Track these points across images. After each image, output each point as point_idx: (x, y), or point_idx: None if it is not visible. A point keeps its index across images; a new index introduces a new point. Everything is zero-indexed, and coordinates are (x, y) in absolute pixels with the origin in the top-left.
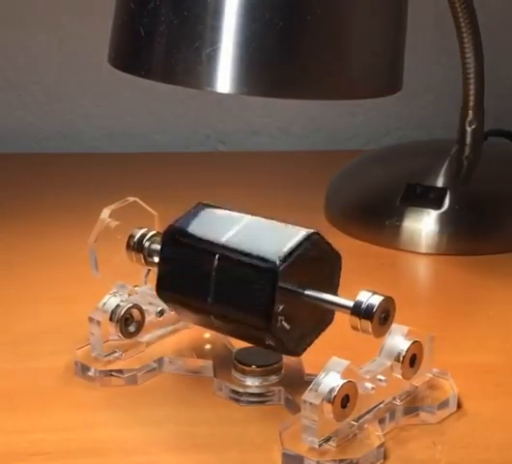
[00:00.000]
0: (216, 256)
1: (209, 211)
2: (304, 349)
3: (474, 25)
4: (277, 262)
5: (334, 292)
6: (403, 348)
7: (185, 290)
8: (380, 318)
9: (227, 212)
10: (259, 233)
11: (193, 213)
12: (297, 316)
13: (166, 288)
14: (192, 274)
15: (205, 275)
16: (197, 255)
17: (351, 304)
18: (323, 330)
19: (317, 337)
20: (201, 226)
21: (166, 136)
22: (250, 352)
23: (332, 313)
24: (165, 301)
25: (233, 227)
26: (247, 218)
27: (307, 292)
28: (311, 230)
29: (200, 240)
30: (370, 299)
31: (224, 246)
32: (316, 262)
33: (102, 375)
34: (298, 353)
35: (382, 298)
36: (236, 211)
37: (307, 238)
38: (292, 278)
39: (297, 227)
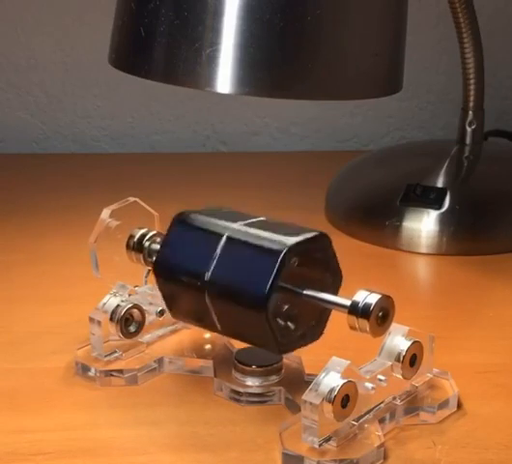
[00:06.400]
0: (206, 293)
1: (186, 234)
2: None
3: (474, 25)
4: (264, 296)
5: (337, 283)
6: (403, 348)
7: (191, 320)
8: (377, 317)
9: (203, 234)
10: (238, 260)
11: (172, 240)
12: (299, 318)
13: (175, 316)
14: (191, 308)
15: (203, 310)
16: (189, 291)
17: (348, 302)
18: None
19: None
20: (184, 258)
21: (166, 137)
22: (251, 352)
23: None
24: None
25: (212, 256)
26: (223, 241)
27: (306, 292)
28: (286, 247)
29: (186, 275)
30: (367, 298)
31: (210, 281)
32: (306, 266)
33: (103, 375)
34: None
35: (379, 296)
36: (212, 225)
37: (283, 260)
38: (282, 301)
39: (274, 244)
